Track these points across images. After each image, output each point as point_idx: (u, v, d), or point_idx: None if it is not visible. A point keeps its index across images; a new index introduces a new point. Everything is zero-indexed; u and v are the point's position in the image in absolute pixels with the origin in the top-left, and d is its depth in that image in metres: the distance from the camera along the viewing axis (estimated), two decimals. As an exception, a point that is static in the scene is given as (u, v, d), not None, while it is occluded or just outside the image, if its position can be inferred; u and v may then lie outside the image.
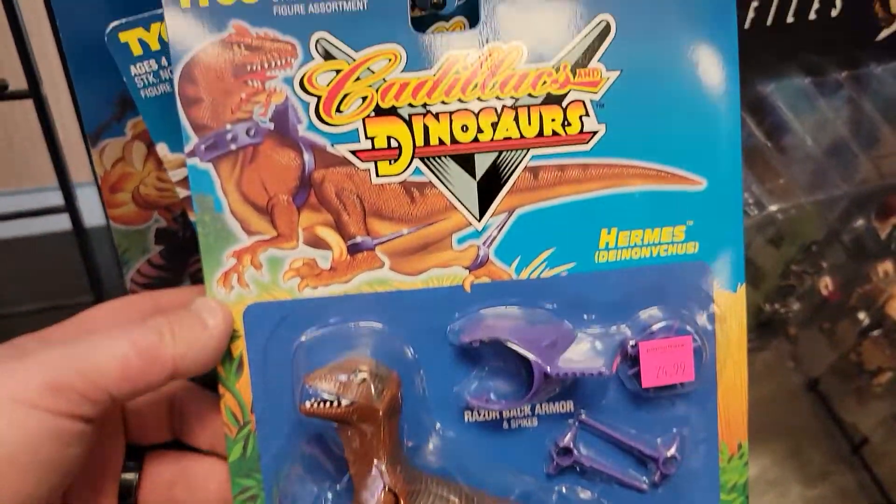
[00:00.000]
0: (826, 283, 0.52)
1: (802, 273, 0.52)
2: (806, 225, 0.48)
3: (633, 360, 0.33)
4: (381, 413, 0.29)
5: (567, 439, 0.33)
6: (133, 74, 0.30)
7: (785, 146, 0.47)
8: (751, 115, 0.45)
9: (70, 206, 0.44)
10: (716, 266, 0.33)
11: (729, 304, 0.34)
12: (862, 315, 0.55)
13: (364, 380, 0.29)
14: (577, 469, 0.34)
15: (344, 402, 0.29)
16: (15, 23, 0.38)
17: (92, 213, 0.45)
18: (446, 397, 0.33)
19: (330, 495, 0.32)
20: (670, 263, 0.33)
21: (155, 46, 0.30)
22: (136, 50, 0.30)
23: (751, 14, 0.43)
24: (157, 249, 0.39)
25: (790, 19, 0.44)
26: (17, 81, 0.40)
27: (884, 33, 0.49)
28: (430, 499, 0.30)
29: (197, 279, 0.41)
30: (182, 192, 0.32)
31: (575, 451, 0.33)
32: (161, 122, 0.31)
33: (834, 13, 0.45)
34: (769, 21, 0.43)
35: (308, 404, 0.29)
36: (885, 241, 0.52)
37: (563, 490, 0.34)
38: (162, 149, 0.32)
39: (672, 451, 0.34)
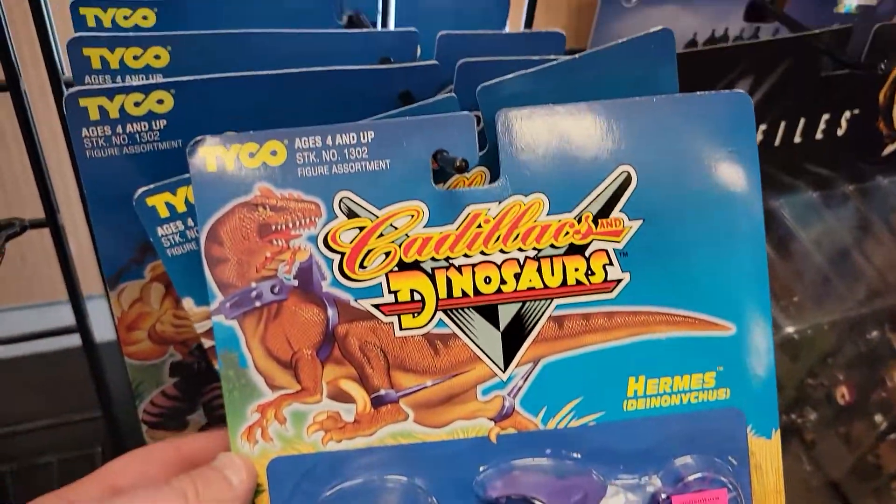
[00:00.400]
0: (843, 393, 0.51)
1: (819, 385, 0.51)
2: (822, 341, 0.47)
3: (664, 510, 0.31)
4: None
5: None
6: (160, 235, 0.31)
7: (792, 256, 0.46)
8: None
9: (81, 325, 0.45)
10: (749, 412, 0.32)
11: (764, 452, 0.33)
12: (879, 418, 0.53)
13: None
14: None
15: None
16: (35, 154, 0.39)
17: (102, 326, 0.45)
18: None
19: None
20: (701, 410, 0.32)
21: (181, 209, 0.30)
22: (163, 212, 0.30)
23: (759, 136, 0.43)
24: (172, 381, 0.39)
25: (798, 139, 0.44)
26: (35, 208, 0.41)
27: (889, 149, 0.49)
28: None
29: (210, 408, 0.41)
30: (207, 343, 0.33)
31: None
32: (187, 278, 0.31)
33: (840, 132, 0.45)
34: (777, 142, 0.44)
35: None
36: None
37: None
38: (188, 303, 0.32)
39: None
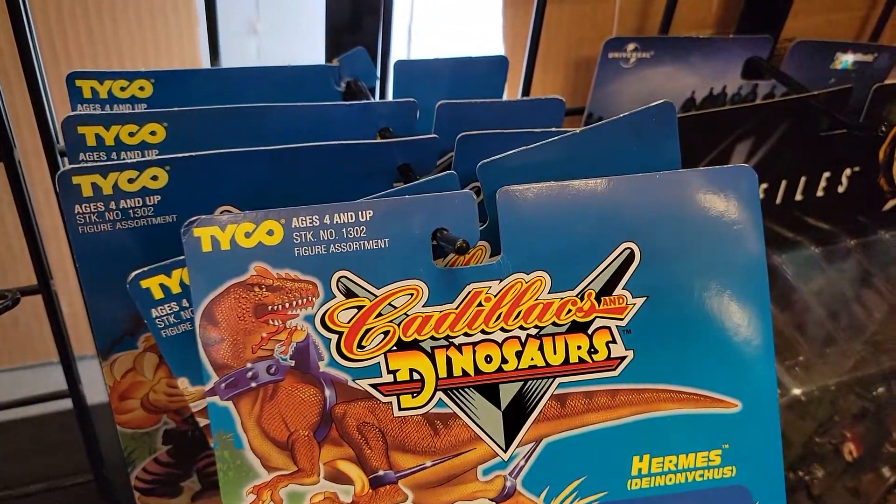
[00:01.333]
0: (850, 450, 0.50)
1: (827, 444, 0.50)
2: (829, 400, 0.46)
3: None
4: None
5: None
6: (154, 317, 0.30)
7: (796, 313, 0.45)
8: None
9: (73, 390, 0.44)
10: (755, 490, 0.31)
11: None
12: (887, 471, 0.52)
13: None
14: None
15: None
16: (28, 224, 0.38)
17: (95, 388, 0.44)
18: None
19: None
20: (707, 489, 0.31)
21: (176, 290, 0.29)
22: (157, 294, 0.29)
23: (761, 195, 0.42)
24: (165, 449, 0.38)
25: (798, 197, 0.44)
26: (29, 272, 0.40)
27: (889, 204, 0.49)
28: None
29: (205, 475, 0.40)
30: (202, 421, 0.31)
31: None
32: (182, 358, 0.30)
33: (840, 189, 0.45)
34: (778, 200, 0.43)
35: None
36: None
37: None
38: (183, 383, 0.31)
39: None
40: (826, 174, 0.46)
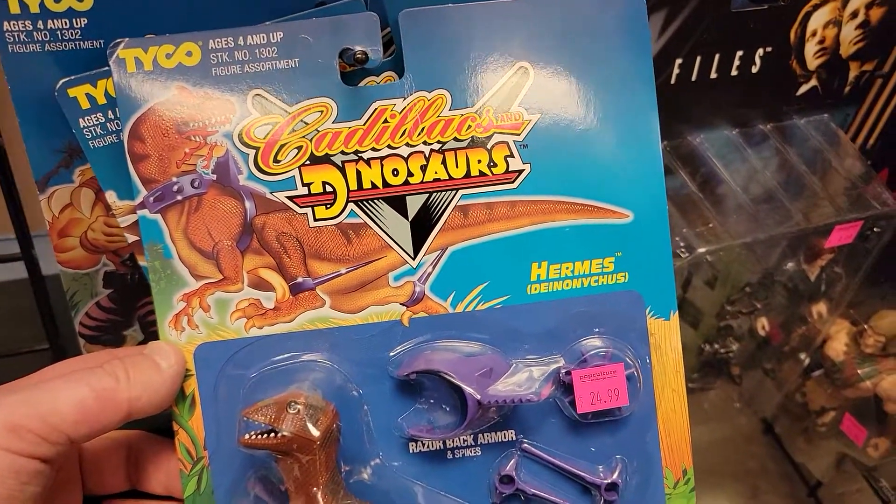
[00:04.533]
0: (763, 324, 0.52)
1: (738, 313, 0.52)
2: (737, 267, 0.49)
3: (568, 387, 0.31)
4: (316, 443, 0.28)
5: (509, 467, 0.32)
6: (82, 127, 0.31)
7: (718, 196, 0.48)
8: (682, 166, 0.45)
9: (27, 254, 0.44)
10: (647, 294, 0.32)
11: (663, 332, 0.33)
12: (803, 355, 0.53)
13: (298, 411, 0.28)
14: (522, 497, 0.33)
15: (279, 434, 0.28)
16: None
17: (49, 261, 0.44)
18: (389, 429, 0.32)
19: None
20: (602, 294, 0.32)
21: (102, 101, 0.31)
22: (84, 104, 0.30)
23: (676, 70, 0.43)
24: (106, 293, 0.38)
25: (714, 75, 0.44)
26: None
27: (803, 88, 0.49)
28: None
29: (145, 322, 0.41)
30: (131, 237, 0.33)
31: (517, 479, 0.32)
32: (109, 170, 0.32)
33: (754, 69, 0.45)
34: (693, 76, 0.43)
35: (246, 436, 0.28)
36: (816, 283, 0.51)
37: (509, 519, 0.32)
38: (111, 196, 0.32)
39: (613, 477, 0.32)
40: (739, 52, 0.47)
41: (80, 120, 0.31)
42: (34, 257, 0.44)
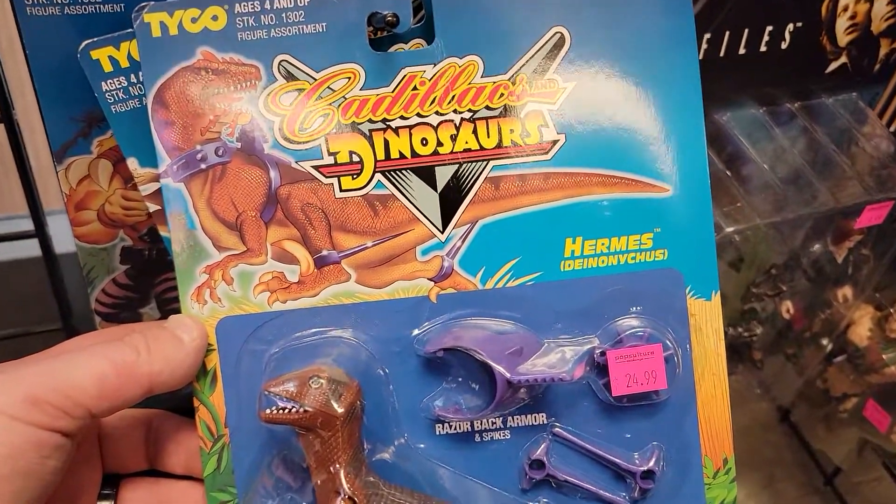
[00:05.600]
0: (787, 307, 0.50)
1: (763, 296, 0.50)
2: (764, 248, 0.47)
3: (603, 369, 0.29)
4: (338, 419, 0.27)
5: (539, 452, 0.30)
6: (104, 90, 0.30)
7: (745, 175, 0.46)
8: (709, 144, 0.44)
9: (40, 231, 0.42)
10: (687, 273, 0.30)
11: (704, 313, 0.31)
12: (825, 341, 0.50)
13: (321, 386, 0.27)
14: (552, 483, 0.31)
15: (301, 408, 0.26)
16: None
17: (62, 239, 0.43)
18: (415, 408, 0.30)
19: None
20: (639, 271, 0.30)
21: (125, 64, 0.30)
22: (107, 67, 0.30)
23: (704, 45, 0.41)
24: (123, 269, 0.37)
25: (742, 51, 0.41)
26: None
27: (832, 66, 0.47)
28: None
29: (162, 300, 0.40)
30: (152, 206, 0.32)
31: (548, 464, 0.30)
32: (131, 137, 0.31)
33: (784, 45, 0.43)
34: (722, 52, 0.41)
35: (267, 411, 0.27)
36: (843, 266, 0.48)
37: (539, 505, 0.30)
38: (132, 163, 0.31)
39: (650, 465, 0.30)
40: (769, 28, 0.44)
41: (103, 83, 0.30)
42: (47, 235, 0.43)
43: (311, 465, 0.29)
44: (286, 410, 0.28)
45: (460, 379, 0.31)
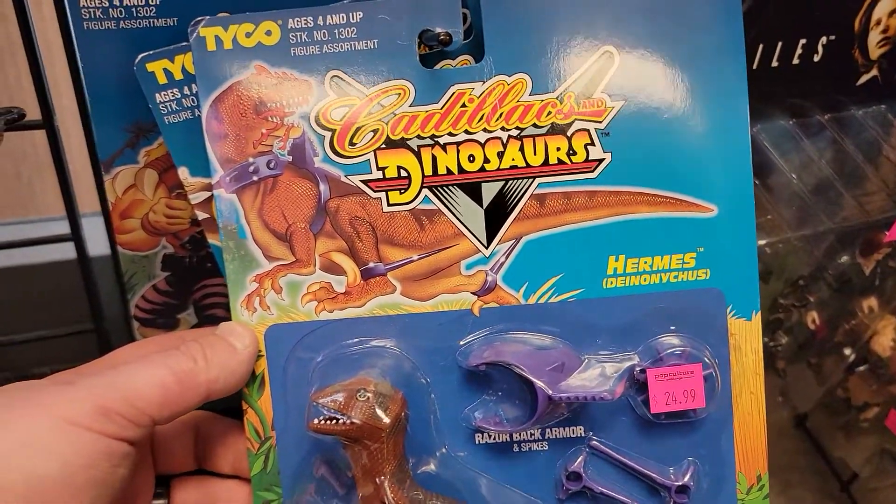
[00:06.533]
0: (813, 318, 0.51)
1: (790, 306, 0.50)
2: (793, 259, 0.47)
3: (643, 386, 0.30)
4: (384, 431, 0.27)
5: (577, 464, 0.31)
6: (158, 102, 0.31)
7: (772, 185, 0.46)
8: None
9: (76, 235, 0.43)
10: (729, 292, 0.30)
11: (743, 333, 0.31)
12: (848, 350, 0.50)
13: (368, 399, 0.27)
14: (588, 495, 0.31)
15: (349, 421, 0.27)
16: (33, 56, 0.37)
17: (95, 243, 0.44)
18: (456, 419, 0.31)
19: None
20: (681, 290, 0.30)
21: (178, 76, 0.30)
22: (162, 79, 0.30)
23: None
24: (164, 276, 0.38)
25: (775, 63, 0.41)
26: (30, 113, 0.39)
27: (863, 78, 0.47)
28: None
29: (200, 306, 0.40)
30: (201, 215, 0.32)
31: (584, 476, 0.30)
32: (183, 147, 0.32)
33: (816, 58, 0.42)
34: (755, 65, 0.40)
35: (315, 422, 0.28)
36: (870, 277, 0.48)
37: (575, 515, 0.31)
38: (183, 172, 0.32)
39: (685, 480, 0.31)
40: (802, 41, 0.44)
41: (157, 95, 0.31)
42: (83, 239, 0.43)
43: (357, 476, 0.29)
44: (333, 422, 0.29)
45: (500, 392, 0.32)
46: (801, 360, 0.53)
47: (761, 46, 0.42)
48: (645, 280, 0.32)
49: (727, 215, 0.32)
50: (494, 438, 0.32)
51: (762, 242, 0.43)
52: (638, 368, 0.31)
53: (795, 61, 0.44)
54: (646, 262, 0.32)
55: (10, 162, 0.42)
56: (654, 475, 0.32)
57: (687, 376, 0.31)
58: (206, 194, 0.33)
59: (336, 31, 0.31)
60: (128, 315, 0.40)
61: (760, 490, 0.33)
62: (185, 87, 0.32)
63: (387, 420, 0.29)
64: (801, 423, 0.57)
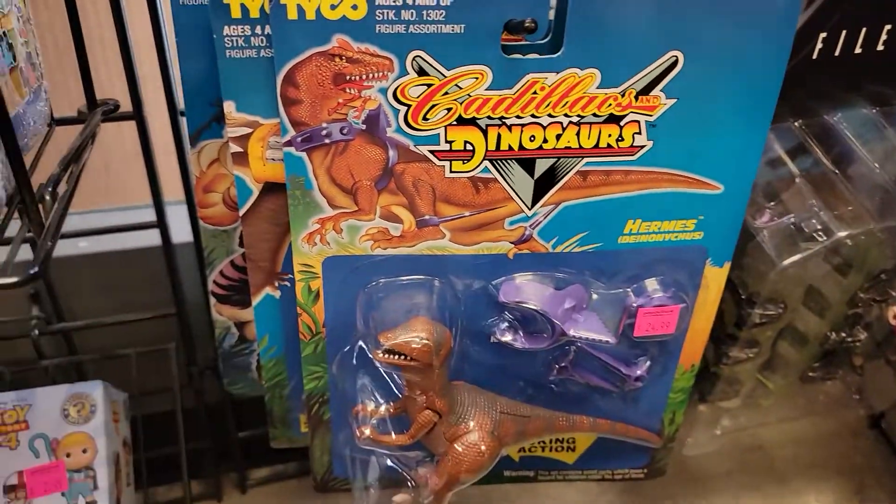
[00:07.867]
0: (894, 313, 0.48)
1: (870, 301, 0.48)
2: (874, 252, 0.45)
3: (632, 314, 0.37)
4: (436, 368, 0.34)
5: (567, 360, 0.39)
6: (224, 34, 0.30)
7: (853, 175, 0.44)
8: (818, 144, 0.42)
9: (161, 222, 0.45)
10: (711, 249, 0.37)
11: (713, 276, 0.39)
12: None
13: (426, 342, 0.33)
14: (571, 381, 0.40)
15: (409, 359, 0.33)
16: (125, 49, 0.36)
17: (179, 231, 0.46)
18: (482, 332, 0.37)
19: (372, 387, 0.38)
20: (676, 246, 0.37)
21: (254, 14, 0.30)
22: (236, 13, 0.30)
23: (819, 45, 0.39)
24: (241, 251, 0.39)
25: (858, 50, 0.40)
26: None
27: None
28: (462, 408, 0.36)
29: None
30: (234, 148, 0.34)
31: (569, 368, 0.39)
32: (236, 82, 0.32)
33: None
34: (837, 52, 0.39)
35: (382, 354, 0.34)
36: None
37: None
38: (229, 106, 0.33)
39: (641, 372, 0.40)
40: (888, 26, 0.41)
41: (226, 28, 0.30)
42: (167, 224, 0.45)
43: (409, 387, 0.37)
44: (398, 358, 0.35)
45: (522, 317, 0.39)
46: (879, 357, 0.52)
47: (844, 32, 0.41)
48: (652, 238, 0.38)
49: (729, 193, 0.37)
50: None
51: (842, 234, 0.41)
52: (633, 306, 0.39)
53: (880, 47, 0.42)
54: (656, 225, 0.37)
55: (99, 155, 0.38)
56: (620, 368, 0.42)
57: (667, 314, 0.39)
58: (245, 130, 0.33)
59: (424, 12, 0.29)
60: (206, 294, 0.40)
61: (691, 371, 0.44)
62: (258, 27, 0.30)
63: (438, 360, 0.35)
64: (877, 423, 0.57)
